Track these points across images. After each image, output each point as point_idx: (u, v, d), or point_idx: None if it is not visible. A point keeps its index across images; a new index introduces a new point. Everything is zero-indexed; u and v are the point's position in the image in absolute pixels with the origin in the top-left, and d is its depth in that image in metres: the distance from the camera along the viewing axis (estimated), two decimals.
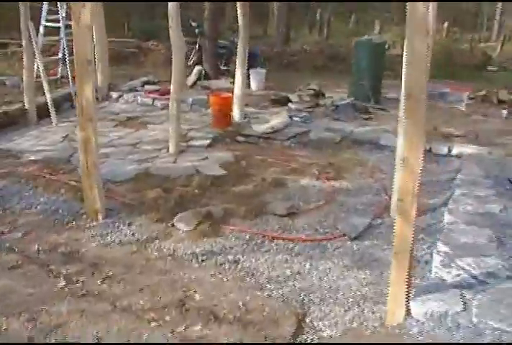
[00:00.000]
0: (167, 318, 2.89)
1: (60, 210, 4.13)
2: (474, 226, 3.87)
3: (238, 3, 6.51)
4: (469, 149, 5.93)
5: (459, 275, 3.18)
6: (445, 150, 5.97)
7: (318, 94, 8.73)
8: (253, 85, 9.72)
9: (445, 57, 14.08)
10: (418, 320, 2.80)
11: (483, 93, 9.84)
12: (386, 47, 10.25)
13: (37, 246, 3.59)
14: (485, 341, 2.60)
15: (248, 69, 9.66)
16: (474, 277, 3.16)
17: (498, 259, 3.35)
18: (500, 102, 9.34)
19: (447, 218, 4.06)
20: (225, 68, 10.07)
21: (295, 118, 7.05)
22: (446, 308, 2.80)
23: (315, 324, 2.93)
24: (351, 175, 5.28)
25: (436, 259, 3.39)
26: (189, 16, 11.88)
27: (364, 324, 2.91)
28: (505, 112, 8.37)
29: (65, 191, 4.45)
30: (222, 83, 9.42)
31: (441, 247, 3.54)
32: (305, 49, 13.57)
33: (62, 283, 3.14)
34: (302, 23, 20.23)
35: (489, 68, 13.86)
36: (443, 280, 3.14)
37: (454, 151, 5.95)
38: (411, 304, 2.85)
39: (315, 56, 13.33)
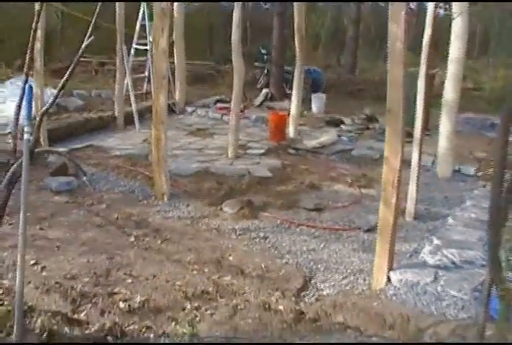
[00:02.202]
0: (206, 269, 3.85)
1: (135, 192, 5.29)
2: (471, 228, 4.58)
3: (296, 38, 7.53)
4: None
5: (440, 260, 3.92)
6: (472, 171, 6.62)
7: (371, 119, 9.54)
8: (314, 109, 10.68)
9: (508, 91, 14.44)
10: (395, 286, 3.59)
11: None
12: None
13: (116, 215, 4.70)
14: (444, 304, 3.37)
15: (311, 93, 10.72)
16: (453, 262, 3.90)
17: (479, 252, 4.06)
18: None
19: (450, 221, 4.79)
20: (289, 92, 11.08)
21: (343, 138, 7.93)
22: (418, 279, 3.58)
23: (317, 285, 3.78)
24: (380, 185, 6.04)
25: (426, 248, 4.15)
26: (260, 44, 13.14)
27: (355, 287, 3.73)
28: None
29: (140, 179, 5.60)
30: (286, 104, 10.42)
31: (435, 241, 4.29)
32: (370, 79, 14.39)
33: (132, 239, 4.21)
34: (378, 54, 21.13)
35: None
36: (425, 262, 3.90)
37: (478, 172, 6.58)
38: (391, 273, 3.64)
39: (379, 85, 14.12)
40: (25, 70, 2.54)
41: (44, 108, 2.42)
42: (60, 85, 2.42)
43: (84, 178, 4.75)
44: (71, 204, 4.90)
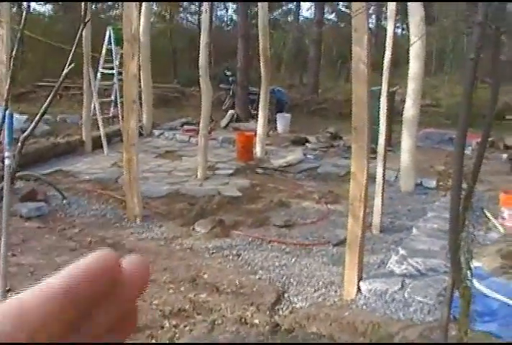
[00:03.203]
0: (182, 288, 3.93)
1: (108, 215, 5.33)
2: (433, 238, 4.81)
3: (261, 60, 7.79)
4: None
5: (406, 269, 4.12)
6: (433, 184, 6.92)
7: (335, 136, 9.84)
8: (279, 128, 10.93)
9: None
10: (365, 296, 3.75)
11: (491, 139, 10.75)
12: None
13: (89, 239, 4.74)
14: (411, 310, 3.54)
15: (276, 113, 10.98)
16: (418, 270, 4.10)
17: (443, 261, 4.27)
18: (507, 147, 10.25)
19: (414, 232, 5.02)
20: (255, 112, 11.32)
21: (308, 156, 8.15)
22: (386, 287, 3.76)
23: (291, 298, 3.90)
24: (347, 201, 6.25)
25: (393, 258, 4.34)
26: (224, 66, 13.41)
27: (327, 299, 3.87)
28: (505, 156, 9.24)
29: (111, 202, 5.65)
30: (251, 125, 10.65)
31: (400, 251, 4.49)
32: (332, 98, 14.80)
33: None
34: (340, 73, 21.68)
35: (508, 117, 14.63)
36: (392, 272, 4.09)
37: (439, 185, 6.88)
38: (361, 284, 3.81)
39: (341, 104, 14.53)
40: (5, 97, 2.62)
41: (25, 134, 2.51)
42: (41, 110, 2.52)
43: (64, 201, 4.80)
44: (43, 229, 4.92)
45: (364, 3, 3.22)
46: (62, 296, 0.27)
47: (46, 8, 18.62)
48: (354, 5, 3.33)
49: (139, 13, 7.22)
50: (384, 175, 5.38)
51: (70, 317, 0.27)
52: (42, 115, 2.46)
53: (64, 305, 0.27)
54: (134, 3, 4.79)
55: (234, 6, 21.15)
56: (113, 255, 0.28)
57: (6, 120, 2.25)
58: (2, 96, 6.22)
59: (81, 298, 0.27)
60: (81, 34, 2.67)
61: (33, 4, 16.03)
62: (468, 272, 2.13)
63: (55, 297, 0.26)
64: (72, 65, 2.44)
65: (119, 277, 0.28)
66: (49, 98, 2.45)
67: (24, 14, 2.57)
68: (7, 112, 2.31)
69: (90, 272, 0.27)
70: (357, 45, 3.46)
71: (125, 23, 4.73)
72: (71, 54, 2.47)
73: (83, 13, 3.04)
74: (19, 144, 2.48)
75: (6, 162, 2.31)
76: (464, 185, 2.80)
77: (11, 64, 2.49)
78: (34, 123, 2.49)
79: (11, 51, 2.55)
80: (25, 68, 14.77)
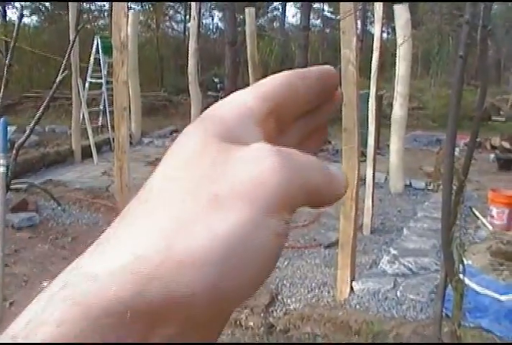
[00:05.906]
0: None
1: (100, 223, 5.33)
2: (424, 237, 4.87)
3: (249, 66, 7.86)
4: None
5: (398, 268, 4.17)
6: (422, 185, 7.00)
7: (324, 141, 9.91)
8: None
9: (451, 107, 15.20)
10: (358, 295, 3.79)
11: (478, 140, 10.90)
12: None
13: (82, 246, 4.72)
14: (404, 308, 3.59)
15: None
16: (410, 269, 4.16)
17: (434, 259, 4.33)
18: (493, 148, 10.38)
19: (405, 232, 5.08)
20: None
21: None
22: (379, 287, 3.81)
23: (284, 300, 3.93)
24: (337, 203, 6.32)
25: (384, 258, 4.40)
26: (212, 73, 13.47)
27: (320, 300, 3.91)
28: (492, 156, 9.37)
29: (103, 210, 5.65)
30: None
31: (392, 251, 4.55)
32: None
33: None
34: None
35: (494, 118, 14.82)
36: (384, 271, 4.14)
37: (431, 186, 6.96)
38: (353, 283, 3.85)
39: None
40: None
41: (20, 141, 2.53)
42: (35, 118, 2.55)
43: (59, 207, 4.82)
44: (35, 239, 4.91)
45: (352, 6, 3.28)
46: (300, 80, 0.27)
47: (31, 19, 18.62)
48: (343, 7, 3.39)
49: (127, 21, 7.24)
50: (374, 177, 5.43)
51: (303, 102, 0.28)
52: (37, 121, 2.48)
53: (303, 85, 0.27)
54: (122, 10, 4.82)
55: (220, 14, 21.32)
56: (334, 69, 0.29)
57: (1, 126, 2.27)
58: None
59: (313, 89, 0.28)
60: (74, 41, 2.69)
61: (17, 15, 16.02)
62: (460, 265, 2.18)
63: (296, 79, 0.27)
64: (66, 71, 2.46)
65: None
66: (45, 102, 2.47)
67: (17, 22, 2.59)
68: (2, 119, 2.33)
69: (322, 74, 0.28)
70: (345, 47, 3.52)
71: (114, 30, 4.75)
72: (65, 60, 2.49)
73: (75, 19, 3.07)
74: (14, 151, 2.50)
75: (1, 169, 2.32)
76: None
77: (5, 71, 2.51)
78: (29, 131, 2.51)
79: (5, 59, 2.57)
80: (11, 80, 14.73)
